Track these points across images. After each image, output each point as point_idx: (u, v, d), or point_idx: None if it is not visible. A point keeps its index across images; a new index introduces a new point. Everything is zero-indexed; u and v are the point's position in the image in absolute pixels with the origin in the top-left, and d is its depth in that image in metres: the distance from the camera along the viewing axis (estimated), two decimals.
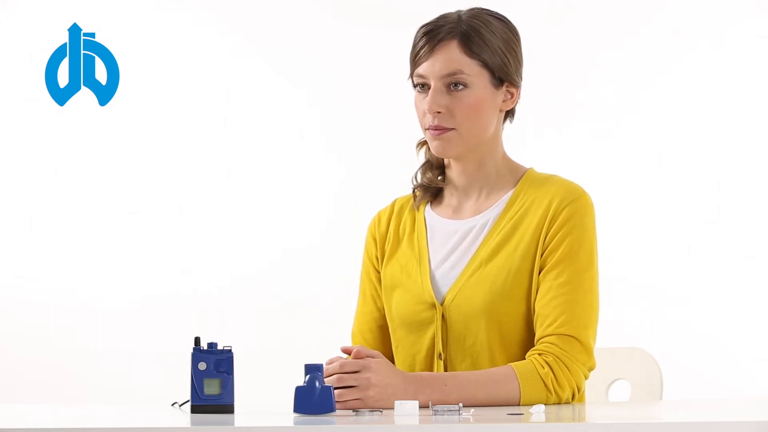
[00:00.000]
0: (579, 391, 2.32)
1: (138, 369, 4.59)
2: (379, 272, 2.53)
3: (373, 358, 2.19)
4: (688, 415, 2.04)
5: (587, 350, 2.33)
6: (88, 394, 4.55)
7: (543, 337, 2.33)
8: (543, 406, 2.04)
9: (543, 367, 2.28)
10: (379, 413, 2.02)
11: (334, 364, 2.17)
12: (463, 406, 2.10)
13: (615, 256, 4.36)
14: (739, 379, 4.31)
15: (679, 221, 4.40)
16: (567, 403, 2.31)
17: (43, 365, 4.61)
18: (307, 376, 2.01)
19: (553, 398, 2.28)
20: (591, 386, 2.66)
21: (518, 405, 2.25)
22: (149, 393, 4.54)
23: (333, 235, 4.55)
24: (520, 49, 2.44)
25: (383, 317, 2.52)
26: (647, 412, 2.14)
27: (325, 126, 4.63)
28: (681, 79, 4.41)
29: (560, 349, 2.30)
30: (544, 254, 2.37)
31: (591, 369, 2.34)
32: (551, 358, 2.29)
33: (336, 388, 2.13)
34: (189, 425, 1.90)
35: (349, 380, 2.15)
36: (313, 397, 2.00)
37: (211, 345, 2.10)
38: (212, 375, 2.11)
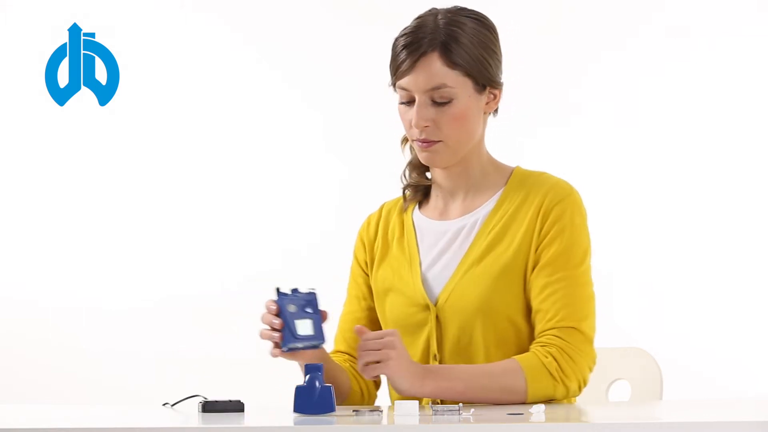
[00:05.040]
0: (585, 383, 2.32)
1: (138, 370, 4.59)
2: (366, 274, 2.53)
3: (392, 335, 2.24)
4: (688, 415, 2.04)
5: (588, 340, 2.33)
6: (87, 395, 4.55)
7: (544, 331, 2.33)
8: (543, 406, 2.04)
9: (546, 357, 2.28)
10: (379, 413, 2.02)
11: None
12: (468, 401, 2.11)
13: (615, 255, 4.36)
14: (739, 379, 4.31)
15: (679, 221, 4.40)
16: (575, 395, 2.31)
17: (43, 366, 4.61)
18: (307, 376, 2.02)
19: (561, 388, 2.28)
20: (591, 386, 2.65)
21: (525, 399, 2.26)
22: (149, 394, 4.54)
23: (334, 237, 4.54)
24: (498, 45, 2.41)
25: (367, 317, 2.52)
26: (647, 412, 2.14)
27: (326, 127, 4.63)
28: (680, 79, 4.41)
29: (563, 340, 2.31)
30: (538, 251, 2.36)
31: (593, 360, 2.34)
32: (554, 350, 2.30)
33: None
34: (188, 425, 1.90)
35: (374, 344, 2.23)
36: (313, 397, 2.00)
37: (294, 290, 2.22)
38: (302, 316, 2.21)
